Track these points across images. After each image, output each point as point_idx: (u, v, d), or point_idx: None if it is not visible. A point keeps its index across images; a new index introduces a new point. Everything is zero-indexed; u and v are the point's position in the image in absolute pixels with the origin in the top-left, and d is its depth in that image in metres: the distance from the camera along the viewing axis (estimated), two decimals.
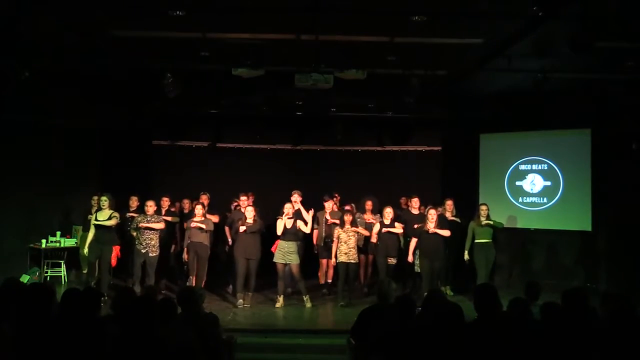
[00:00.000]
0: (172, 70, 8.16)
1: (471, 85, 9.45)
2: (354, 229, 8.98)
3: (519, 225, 10.94)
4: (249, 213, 8.97)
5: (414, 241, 9.02)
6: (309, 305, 8.84)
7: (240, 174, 12.27)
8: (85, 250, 8.92)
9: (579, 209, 10.36)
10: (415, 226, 9.22)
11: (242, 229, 8.84)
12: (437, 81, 8.84)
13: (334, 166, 12.92)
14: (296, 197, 9.27)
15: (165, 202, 9.87)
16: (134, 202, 9.71)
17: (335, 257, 8.98)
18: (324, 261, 9.80)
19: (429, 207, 9.17)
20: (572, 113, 10.17)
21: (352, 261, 8.90)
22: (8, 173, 9.77)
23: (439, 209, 9.60)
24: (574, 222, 10.43)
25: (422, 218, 9.15)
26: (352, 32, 7.05)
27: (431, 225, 8.77)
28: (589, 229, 10.25)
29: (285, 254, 8.78)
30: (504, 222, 9.96)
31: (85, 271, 9.65)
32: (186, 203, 10.45)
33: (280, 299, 8.85)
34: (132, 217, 9.33)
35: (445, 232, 8.82)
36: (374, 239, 9.32)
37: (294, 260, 8.78)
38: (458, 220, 9.70)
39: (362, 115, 11.70)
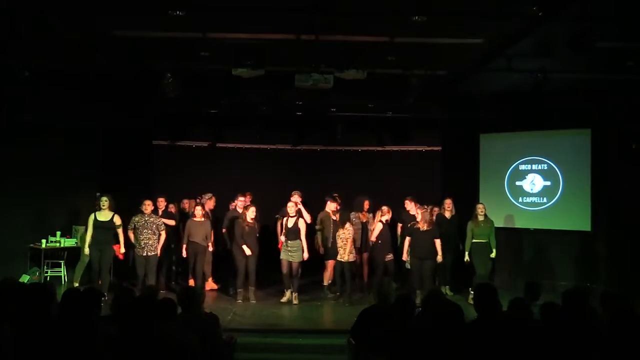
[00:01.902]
0: (172, 70, 8.17)
1: (471, 85, 9.45)
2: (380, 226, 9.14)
3: (518, 225, 10.94)
4: (251, 213, 9.08)
5: (407, 240, 9.15)
6: (295, 302, 8.98)
7: (240, 174, 12.27)
8: (87, 250, 8.92)
9: (579, 209, 10.36)
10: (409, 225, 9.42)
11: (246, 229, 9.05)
12: (437, 81, 8.84)
13: (334, 166, 12.92)
14: (296, 198, 9.36)
15: (162, 203, 9.82)
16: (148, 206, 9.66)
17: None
18: (330, 262, 9.81)
19: (424, 208, 9.31)
20: (572, 113, 10.17)
21: (351, 260, 9.12)
22: (8, 173, 9.76)
23: (435, 208, 9.76)
24: (574, 222, 10.43)
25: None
26: (352, 32, 7.05)
27: (422, 225, 8.93)
28: (589, 229, 10.24)
29: (289, 252, 8.96)
30: (502, 222, 9.99)
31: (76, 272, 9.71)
32: (185, 203, 10.45)
33: (288, 292, 9.01)
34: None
35: (437, 243, 8.92)
36: (373, 238, 9.45)
37: (297, 258, 8.93)
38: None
39: (362, 115, 11.70)
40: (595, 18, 5.99)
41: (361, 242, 9.91)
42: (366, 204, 10.21)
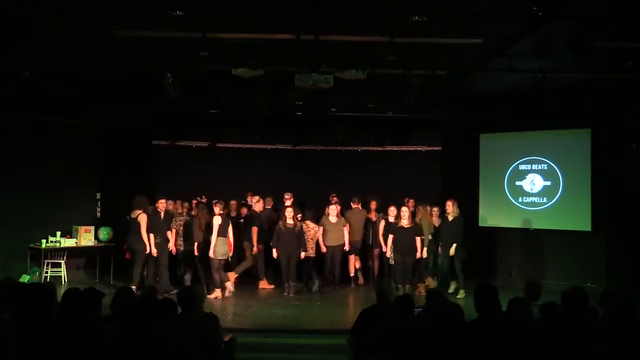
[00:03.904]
0: (172, 70, 8.16)
1: (471, 85, 9.45)
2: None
3: (518, 225, 10.94)
4: (289, 213, 9.46)
5: (390, 237, 9.54)
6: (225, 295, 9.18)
7: (240, 174, 12.28)
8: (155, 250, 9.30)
9: (579, 209, 10.36)
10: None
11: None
12: (437, 81, 8.83)
13: (333, 166, 12.93)
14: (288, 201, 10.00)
15: (161, 205, 9.78)
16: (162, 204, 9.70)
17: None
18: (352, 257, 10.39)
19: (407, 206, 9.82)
20: (572, 113, 10.17)
21: (310, 255, 9.64)
22: (8, 173, 9.78)
23: (435, 208, 10.13)
24: (574, 222, 10.43)
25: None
26: (352, 32, 7.05)
27: (404, 222, 9.32)
28: (589, 228, 10.24)
29: None
30: (502, 222, 10.01)
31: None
32: (170, 204, 10.41)
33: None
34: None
35: (418, 240, 9.39)
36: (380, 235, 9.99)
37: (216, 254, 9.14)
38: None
39: (362, 115, 11.71)
40: (595, 18, 5.98)
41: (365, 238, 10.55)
42: (373, 204, 10.68)
